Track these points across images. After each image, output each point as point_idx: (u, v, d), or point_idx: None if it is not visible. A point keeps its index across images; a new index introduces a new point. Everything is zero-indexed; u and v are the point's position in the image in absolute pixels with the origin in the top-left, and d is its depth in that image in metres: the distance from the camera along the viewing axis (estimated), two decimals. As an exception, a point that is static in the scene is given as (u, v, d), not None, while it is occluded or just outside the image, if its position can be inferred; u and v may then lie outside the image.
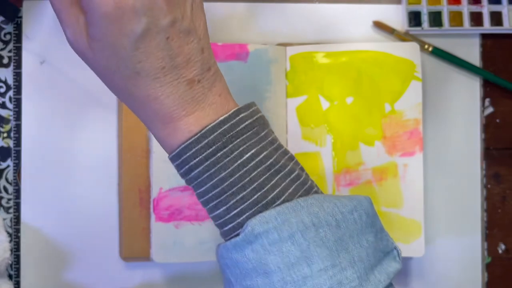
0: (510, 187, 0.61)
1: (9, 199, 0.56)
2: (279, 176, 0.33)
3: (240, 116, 0.33)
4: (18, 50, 0.56)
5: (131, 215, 0.55)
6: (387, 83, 0.57)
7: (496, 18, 0.60)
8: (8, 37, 0.57)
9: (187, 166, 0.34)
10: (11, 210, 0.56)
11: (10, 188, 0.56)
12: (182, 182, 0.54)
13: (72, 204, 0.56)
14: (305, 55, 0.57)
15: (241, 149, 0.33)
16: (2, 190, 0.56)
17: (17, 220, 0.56)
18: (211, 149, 0.33)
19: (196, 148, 0.33)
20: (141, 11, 0.30)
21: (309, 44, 0.58)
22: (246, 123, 0.33)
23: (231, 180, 0.33)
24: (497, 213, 0.60)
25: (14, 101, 0.56)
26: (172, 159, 0.35)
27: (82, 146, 0.56)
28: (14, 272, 0.56)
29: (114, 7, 0.30)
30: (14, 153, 0.56)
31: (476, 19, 0.60)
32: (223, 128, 0.33)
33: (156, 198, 0.54)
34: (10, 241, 0.55)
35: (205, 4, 0.58)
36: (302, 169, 0.35)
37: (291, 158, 0.35)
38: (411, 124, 0.57)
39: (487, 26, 0.59)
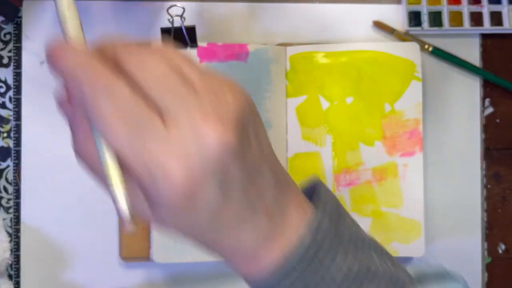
0: (510, 187, 0.61)
1: (9, 199, 0.56)
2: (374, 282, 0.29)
3: (320, 228, 0.29)
4: (18, 50, 0.56)
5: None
6: (387, 83, 0.57)
7: (496, 18, 0.60)
8: (8, 37, 0.57)
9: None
10: (11, 210, 0.56)
11: (10, 188, 0.56)
12: (182, 182, 0.54)
13: (72, 204, 0.56)
14: (305, 55, 0.57)
15: (329, 266, 0.29)
16: (2, 190, 0.56)
17: (17, 220, 0.56)
18: (296, 277, 0.28)
19: (285, 280, 0.29)
20: (210, 178, 0.25)
21: (309, 44, 0.58)
22: (326, 232, 0.29)
23: None
24: (497, 213, 0.60)
25: (14, 101, 0.56)
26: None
27: (82, 146, 0.56)
28: (14, 272, 0.56)
29: (182, 189, 0.25)
30: (14, 153, 0.56)
31: (476, 19, 0.60)
32: (305, 248, 0.28)
33: (156, 198, 0.54)
34: (10, 241, 0.55)
35: (205, 4, 0.58)
36: (390, 257, 0.32)
37: (379, 250, 0.31)
38: (411, 124, 0.57)
39: (487, 26, 0.59)
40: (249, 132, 0.27)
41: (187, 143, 0.24)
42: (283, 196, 0.30)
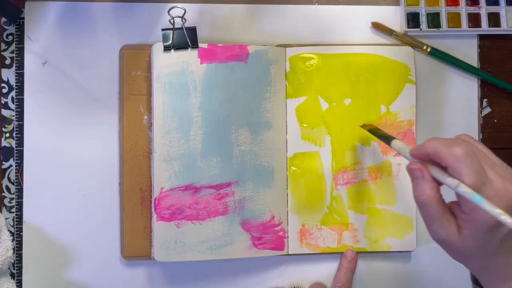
0: (507, 187, 0.61)
1: (11, 199, 0.57)
2: None
3: None
4: (20, 51, 0.57)
5: (133, 215, 0.56)
6: (383, 86, 0.58)
7: (494, 19, 0.60)
8: (10, 38, 0.57)
9: None
10: (14, 210, 0.56)
11: (13, 188, 0.57)
12: (183, 181, 0.54)
13: (74, 203, 0.56)
14: (305, 57, 0.58)
15: None
16: (5, 190, 0.57)
17: (19, 219, 0.56)
18: None
19: None
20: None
21: (308, 46, 0.58)
22: None
23: None
24: (494, 213, 0.60)
25: (16, 102, 0.57)
26: None
27: (84, 146, 0.57)
28: (16, 270, 0.56)
29: (494, 223, 0.40)
30: (16, 153, 0.57)
31: (474, 20, 0.60)
32: None
33: (157, 198, 0.54)
34: (13, 240, 0.55)
35: (206, 6, 0.58)
36: None
37: None
38: (405, 125, 0.58)
39: (484, 27, 0.60)
40: None
41: (502, 193, 0.41)
42: None
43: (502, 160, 0.60)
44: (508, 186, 0.41)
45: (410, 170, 0.44)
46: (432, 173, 0.43)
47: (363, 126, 0.57)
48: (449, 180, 0.41)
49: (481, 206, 0.39)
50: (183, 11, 0.54)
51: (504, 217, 0.38)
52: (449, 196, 0.43)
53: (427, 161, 0.43)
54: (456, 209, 0.42)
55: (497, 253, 0.43)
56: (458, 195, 0.41)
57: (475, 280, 0.47)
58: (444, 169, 0.42)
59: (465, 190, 0.40)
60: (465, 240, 0.42)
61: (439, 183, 0.43)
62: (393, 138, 0.50)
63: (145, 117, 0.56)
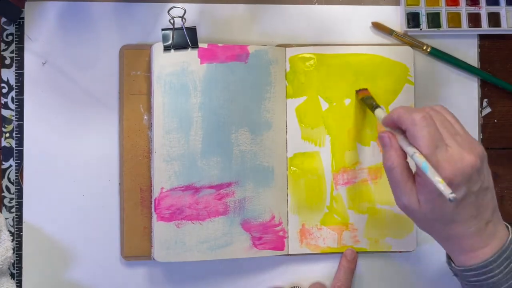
0: (508, 187, 0.61)
1: (11, 199, 0.57)
2: None
3: None
4: (20, 51, 0.57)
5: (133, 215, 0.56)
6: (382, 86, 0.58)
7: (494, 19, 0.60)
8: (10, 38, 0.57)
9: (484, 276, 0.45)
10: (13, 210, 0.56)
11: (12, 188, 0.57)
12: (183, 181, 0.54)
13: (74, 203, 0.56)
14: (305, 57, 0.58)
15: None
16: (5, 190, 0.57)
17: (19, 219, 0.56)
18: (503, 265, 0.45)
19: (492, 266, 0.45)
20: (463, 183, 0.43)
21: (308, 46, 0.58)
22: None
23: None
24: (494, 213, 0.60)
25: (16, 102, 0.57)
26: (467, 271, 0.46)
27: (84, 146, 0.56)
28: (16, 270, 0.56)
29: (447, 183, 0.42)
30: (16, 153, 0.57)
31: (474, 20, 0.60)
32: (507, 253, 0.45)
33: (157, 198, 0.54)
34: (12, 240, 0.55)
35: (206, 6, 0.58)
36: None
37: None
38: None
39: (485, 27, 0.60)
40: (484, 168, 0.45)
41: (456, 159, 0.43)
42: (497, 217, 0.46)
43: (500, 160, 0.61)
44: (464, 155, 0.43)
45: (379, 137, 0.48)
46: (398, 141, 0.46)
47: (358, 92, 0.57)
48: (408, 148, 0.45)
49: (425, 172, 0.42)
50: (183, 11, 0.54)
51: (440, 185, 0.41)
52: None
53: (399, 130, 0.47)
54: (416, 176, 0.45)
55: (453, 220, 0.45)
56: (415, 163, 0.44)
57: (448, 254, 0.49)
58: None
59: (417, 157, 0.43)
60: (422, 206, 0.45)
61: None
62: (378, 107, 0.53)
63: (145, 117, 0.56)
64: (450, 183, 0.42)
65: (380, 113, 0.52)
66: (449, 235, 0.46)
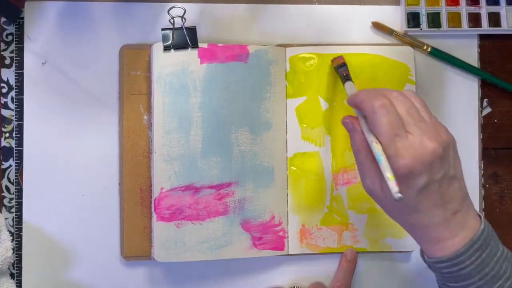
0: (508, 187, 0.61)
1: (11, 199, 0.57)
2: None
3: (485, 232, 0.45)
4: (20, 51, 0.57)
5: (132, 215, 0.56)
6: (383, 85, 0.58)
7: (494, 19, 0.60)
8: (10, 37, 0.57)
9: (456, 267, 0.44)
10: (13, 210, 0.56)
11: (12, 188, 0.57)
12: (183, 181, 0.54)
13: (74, 203, 0.56)
14: (305, 57, 0.58)
15: (492, 251, 0.44)
16: (4, 190, 0.57)
17: (19, 219, 0.56)
18: (474, 256, 0.44)
19: (463, 257, 0.44)
20: (424, 171, 0.42)
21: (308, 46, 0.58)
22: (490, 235, 0.45)
23: (491, 273, 0.44)
24: (495, 213, 0.60)
25: (16, 102, 0.57)
26: (438, 263, 0.45)
27: (84, 146, 0.56)
28: (16, 270, 0.56)
29: (407, 171, 0.42)
30: (16, 153, 0.57)
31: (474, 20, 0.60)
32: (478, 244, 0.44)
33: (157, 198, 0.54)
34: (12, 240, 0.55)
35: (206, 5, 0.58)
36: None
37: None
38: None
39: (485, 27, 0.60)
40: (449, 156, 0.44)
41: (416, 147, 0.42)
42: (466, 207, 0.45)
43: (500, 159, 0.61)
44: (425, 142, 0.42)
45: (343, 123, 0.48)
46: (361, 125, 0.46)
47: (333, 60, 0.57)
48: (368, 135, 0.44)
49: (379, 164, 0.42)
50: (183, 11, 0.54)
51: (389, 182, 0.41)
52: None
53: (363, 115, 0.46)
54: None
55: (417, 209, 0.44)
56: None
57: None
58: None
59: (374, 147, 0.43)
60: (385, 192, 0.44)
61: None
62: (348, 80, 0.52)
63: (145, 117, 0.56)
64: (410, 171, 0.42)
65: (349, 87, 0.51)
66: (414, 224, 0.45)
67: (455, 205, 0.44)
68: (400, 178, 0.42)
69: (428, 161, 0.42)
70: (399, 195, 0.41)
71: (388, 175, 0.42)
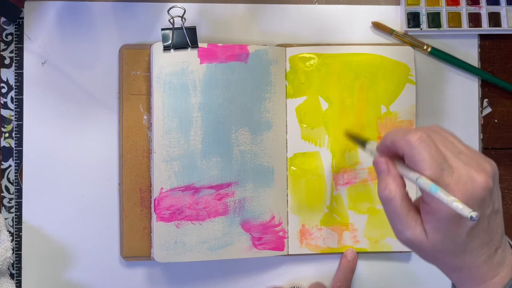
0: (508, 187, 0.61)
1: (10, 199, 0.57)
2: None
3: None
4: (19, 51, 0.57)
5: (132, 215, 0.56)
6: (383, 85, 0.58)
7: (494, 19, 0.60)
8: (9, 37, 0.57)
9: None
10: (13, 210, 0.56)
11: (12, 188, 0.57)
12: (183, 182, 0.54)
13: (73, 203, 0.56)
14: (305, 57, 0.58)
15: None
16: (4, 190, 0.57)
17: (18, 219, 0.56)
18: None
19: None
20: (476, 208, 0.38)
21: (308, 46, 0.58)
22: None
23: None
24: (495, 213, 0.60)
25: (15, 102, 0.57)
26: None
27: (83, 146, 0.56)
28: (15, 271, 0.56)
29: (454, 213, 0.38)
30: (15, 153, 0.57)
31: (475, 20, 0.60)
32: None
33: (157, 198, 0.54)
34: (12, 240, 0.55)
35: (206, 5, 0.58)
36: None
37: None
38: (405, 125, 0.58)
39: (485, 27, 0.60)
40: (495, 187, 0.40)
41: (466, 182, 0.38)
42: (505, 242, 0.42)
43: (500, 159, 0.61)
44: (472, 174, 0.39)
45: (374, 163, 0.43)
46: (397, 168, 0.41)
47: (346, 133, 0.55)
48: (411, 174, 0.40)
49: (436, 195, 0.38)
50: (183, 11, 0.54)
51: (456, 204, 0.37)
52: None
53: (395, 158, 0.42)
54: (420, 204, 0.41)
55: (466, 250, 0.40)
56: (420, 189, 0.40)
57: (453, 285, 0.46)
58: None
59: (423, 181, 0.39)
60: (430, 237, 0.40)
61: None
62: (366, 141, 0.48)
63: (145, 117, 0.56)
64: None
65: (371, 146, 0.47)
66: (459, 266, 0.41)
67: (497, 241, 0.41)
68: (450, 217, 0.39)
69: (480, 196, 0.38)
70: (475, 213, 0.36)
71: (453, 198, 0.37)
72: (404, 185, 0.41)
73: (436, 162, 0.39)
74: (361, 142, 0.49)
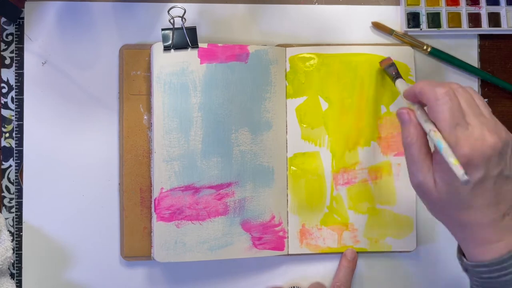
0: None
1: (11, 199, 0.57)
2: None
3: None
4: (20, 51, 0.57)
5: (132, 215, 0.56)
6: (383, 85, 0.58)
7: (494, 19, 0.60)
8: (10, 38, 0.57)
9: (497, 273, 0.42)
10: (13, 210, 0.56)
11: (12, 188, 0.57)
12: (183, 182, 0.54)
13: (74, 203, 0.56)
14: (305, 57, 0.58)
15: None
16: (4, 190, 0.57)
17: (19, 219, 0.56)
18: None
19: (506, 264, 0.42)
20: (481, 164, 0.41)
21: (308, 46, 0.58)
22: None
23: None
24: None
25: (16, 102, 0.57)
26: (478, 267, 0.44)
27: (84, 146, 0.56)
28: (16, 271, 0.56)
29: (465, 161, 0.41)
30: (16, 153, 0.57)
31: (474, 20, 0.60)
32: None
33: (157, 198, 0.54)
34: (12, 240, 0.55)
35: (206, 5, 0.58)
36: None
37: None
38: None
39: (485, 27, 0.60)
40: (507, 155, 0.42)
41: (476, 138, 0.41)
42: None
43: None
44: (485, 133, 0.41)
45: (398, 114, 0.46)
46: (417, 116, 0.45)
47: (381, 62, 0.57)
48: (426, 124, 0.43)
49: (440, 151, 0.41)
50: (183, 11, 0.54)
51: (454, 166, 0.40)
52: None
53: (419, 105, 0.45)
54: (433, 153, 0.44)
55: (469, 205, 0.42)
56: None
57: (459, 249, 0.47)
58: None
59: (434, 135, 0.42)
60: (438, 186, 0.43)
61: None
62: (399, 77, 0.53)
63: (145, 117, 0.56)
64: (467, 163, 0.41)
65: (401, 84, 0.51)
66: (463, 222, 0.43)
67: (505, 207, 0.43)
68: (461, 162, 0.41)
69: (487, 154, 0.41)
70: (466, 177, 0.39)
71: (452, 160, 0.40)
72: (425, 134, 0.44)
73: (453, 116, 0.41)
74: (394, 75, 0.53)
